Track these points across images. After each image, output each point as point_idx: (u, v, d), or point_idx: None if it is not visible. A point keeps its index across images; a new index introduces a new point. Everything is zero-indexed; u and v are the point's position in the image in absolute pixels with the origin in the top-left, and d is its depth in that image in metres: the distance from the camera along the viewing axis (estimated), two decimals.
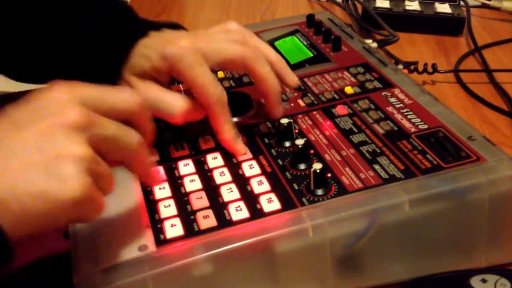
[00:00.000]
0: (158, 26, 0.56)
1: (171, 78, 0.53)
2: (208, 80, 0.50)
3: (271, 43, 0.74)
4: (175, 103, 0.49)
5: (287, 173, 0.49)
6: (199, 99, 0.50)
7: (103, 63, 0.53)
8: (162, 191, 0.48)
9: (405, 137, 0.51)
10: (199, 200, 0.47)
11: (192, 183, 0.49)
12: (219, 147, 0.53)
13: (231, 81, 0.65)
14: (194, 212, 0.46)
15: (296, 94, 0.61)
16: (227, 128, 0.51)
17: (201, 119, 0.52)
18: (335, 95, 0.60)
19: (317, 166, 0.46)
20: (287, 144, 0.52)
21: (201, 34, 0.54)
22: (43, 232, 0.36)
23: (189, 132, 0.55)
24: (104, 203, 0.38)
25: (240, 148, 0.52)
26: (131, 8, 0.59)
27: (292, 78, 0.56)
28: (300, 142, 0.49)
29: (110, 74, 0.52)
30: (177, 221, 0.45)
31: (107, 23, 0.55)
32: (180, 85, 0.61)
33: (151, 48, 0.52)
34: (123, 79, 0.53)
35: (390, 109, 0.56)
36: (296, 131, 0.54)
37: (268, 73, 0.52)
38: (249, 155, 0.52)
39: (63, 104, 0.36)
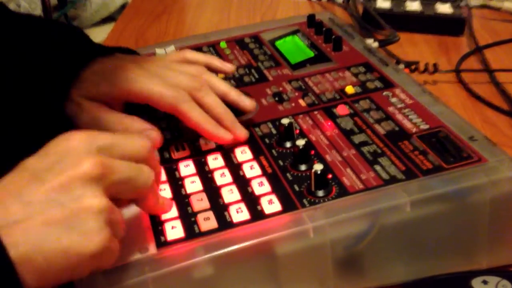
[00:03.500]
0: (108, 51, 0.57)
1: (123, 102, 0.55)
2: (161, 88, 0.52)
3: (272, 43, 0.74)
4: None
5: (288, 174, 0.49)
6: (163, 109, 0.52)
7: (52, 86, 0.55)
8: (162, 192, 0.48)
9: (406, 138, 0.51)
10: (199, 202, 0.47)
11: (193, 185, 0.49)
12: (220, 148, 0.53)
13: (232, 81, 0.65)
14: (194, 214, 0.46)
15: (297, 94, 0.61)
16: (203, 121, 0.52)
17: None
18: (336, 95, 0.60)
19: (318, 167, 0.46)
20: (288, 144, 0.52)
21: (150, 60, 0.58)
22: (63, 283, 0.37)
23: (189, 133, 0.55)
24: (118, 248, 0.39)
25: (223, 133, 0.52)
26: (82, 32, 0.61)
27: (246, 102, 0.57)
28: (301, 142, 0.49)
29: (59, 96, 0.54)
30: (177, 223, 0.45)
31: (57, 48, 0.57)
32: None
33: (98, 74, 0.54)
34: (73, 101, 0.54)
35: (391, 109, 0.56)
36: (297, 131, 0.54)
37: (213, 102, 0.54)
38: (250, 155, 0.52)
39: (79, 155, 0.37)
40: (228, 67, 0.62)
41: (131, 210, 0.45)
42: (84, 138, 0.38)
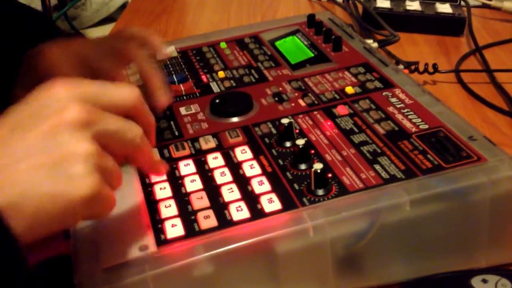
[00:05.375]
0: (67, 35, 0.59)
1: None
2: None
3: (272, 43, 0.74)
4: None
5: (288, 173, 0.49)
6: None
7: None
8: (162, 191, 0.48)
9: (406, 137, 0.51)
10: (199, 200, 0.47)
11: (193, 183, 0.49)
12: (220, 148, 0.53)
13: (232, 81, 0.65)
14: (194, 212, 0.46)
15: (297, 94, 0.61)
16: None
17: None
18: (335, 95, 0.60)
19: (318, 166, 0.46)
20: (288, 144, 0.52)
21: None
22: (56, 232, 0.35)
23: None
24: (114, 199, 0.38)
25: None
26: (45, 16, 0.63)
27: (160, 99, 0.53)
28: (300, 142, 0.49)
29: None
30: (177, 221, 0.45)
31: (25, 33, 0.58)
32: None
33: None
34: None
35: (390, 109, 0.56)
36: (297, 131, 0.54)
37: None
38: (250, 155, 0.52)
39: (63, 102, 0.36)
40: (165, 52, 0.58)
41: (131, 208, 0.45)
42: (67, 85, 0.37)
